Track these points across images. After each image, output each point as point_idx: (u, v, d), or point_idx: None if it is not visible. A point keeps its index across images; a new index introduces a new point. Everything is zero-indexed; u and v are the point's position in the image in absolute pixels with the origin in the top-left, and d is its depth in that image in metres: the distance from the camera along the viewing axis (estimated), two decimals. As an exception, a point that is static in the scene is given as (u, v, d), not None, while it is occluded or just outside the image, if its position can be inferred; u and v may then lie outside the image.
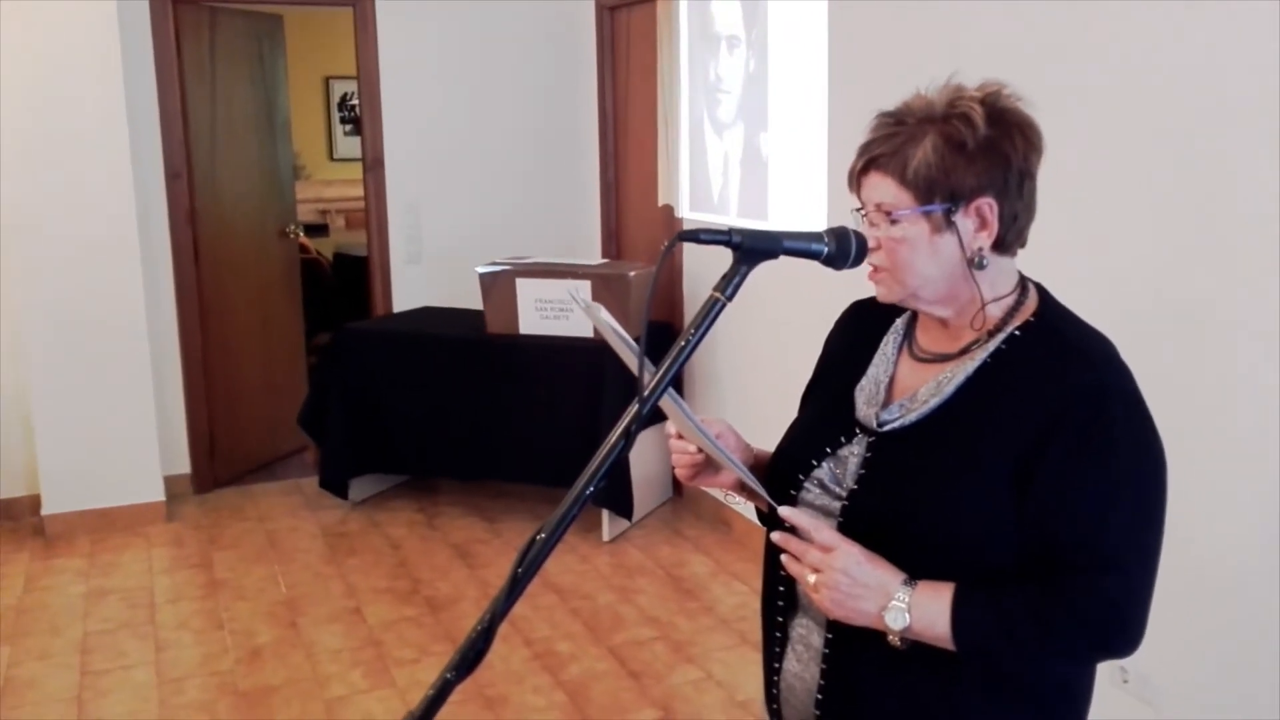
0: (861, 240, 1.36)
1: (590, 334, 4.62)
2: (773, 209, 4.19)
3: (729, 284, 1.30)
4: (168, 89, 5.08)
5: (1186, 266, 2.58)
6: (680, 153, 4.90)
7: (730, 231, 1.29)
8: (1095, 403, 1.31)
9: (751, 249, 1.30)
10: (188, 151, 5.18)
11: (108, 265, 4.82)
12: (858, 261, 1.36)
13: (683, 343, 1.30)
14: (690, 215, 4.88)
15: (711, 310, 1.30)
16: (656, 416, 1.42)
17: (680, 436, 1.53)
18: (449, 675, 1.23)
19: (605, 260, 5.43)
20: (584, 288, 4.57)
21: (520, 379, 4.74)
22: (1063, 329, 1.41)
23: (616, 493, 4.57)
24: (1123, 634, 1.32)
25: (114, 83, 4.74)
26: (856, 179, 1.42)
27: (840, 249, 1.34)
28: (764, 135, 4.24)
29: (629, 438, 1.27)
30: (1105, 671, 2.63)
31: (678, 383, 5.29)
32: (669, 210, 5.05)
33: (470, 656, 1.24)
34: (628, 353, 1.36)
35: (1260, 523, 2.45)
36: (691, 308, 5.18)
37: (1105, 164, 2.77)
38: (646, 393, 1.28)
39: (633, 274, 4.66)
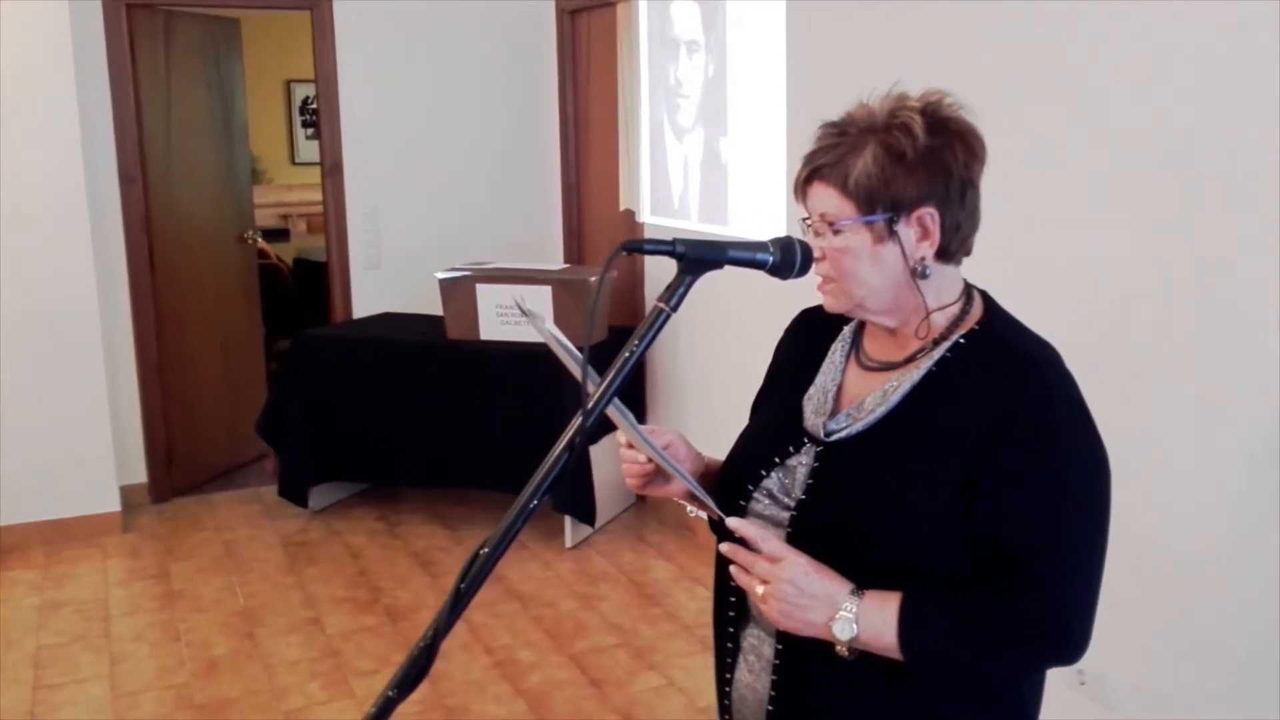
0: (807, 250, 1.36)
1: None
2: (732, 214, 4.20)
3: (673, 294, 1.30)
4: (121, 93, 5.02)
5: (1156, 265, 2.60)
6: (641, 157, 4.89)
7: (674, 242, 1.29)
8: (1039, 410, 1.31)
9: (696, 259, 1.30)
10: (142, 156, 5.11)
11: (60, 272, 4.75)
12: (803, 271, 1.36)
13: (627, 353, 1.30)
14: (651, 220, 4.88)
15: (656, 320, 1.30)
16: (610, 425, 1.42)
17: (631, 445, 1.52)
18: (391, 693, 1.22)
19: (567, 265, 5.41)
20: (543, 293, 4.55)
21: (481, 385, 4.71)
22: (1007, 336, 1.41)
23: (579, 499, 4.56)
24: (1069, 641, 1.32)
25: (65, 87, 4.67)
26: (801, 189, 1.42)
27: (785, 259, 1.34)
28: (724, 140, 4.25)
29: (573, 450, 1.26)
30: (1062, 674, 2.65)
31: (639, 393, 5.23)
32: (630, 215, 5.05)
33: (413, 674, 1.23)
34: (572, 363, 1.35)
35: (1216, 521, 2.47)
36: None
37: (1066, 165, 2.79)
38: (590, 404, 1.27)
39: (594, 279, 4.64)
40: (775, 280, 1.37)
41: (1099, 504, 1.34)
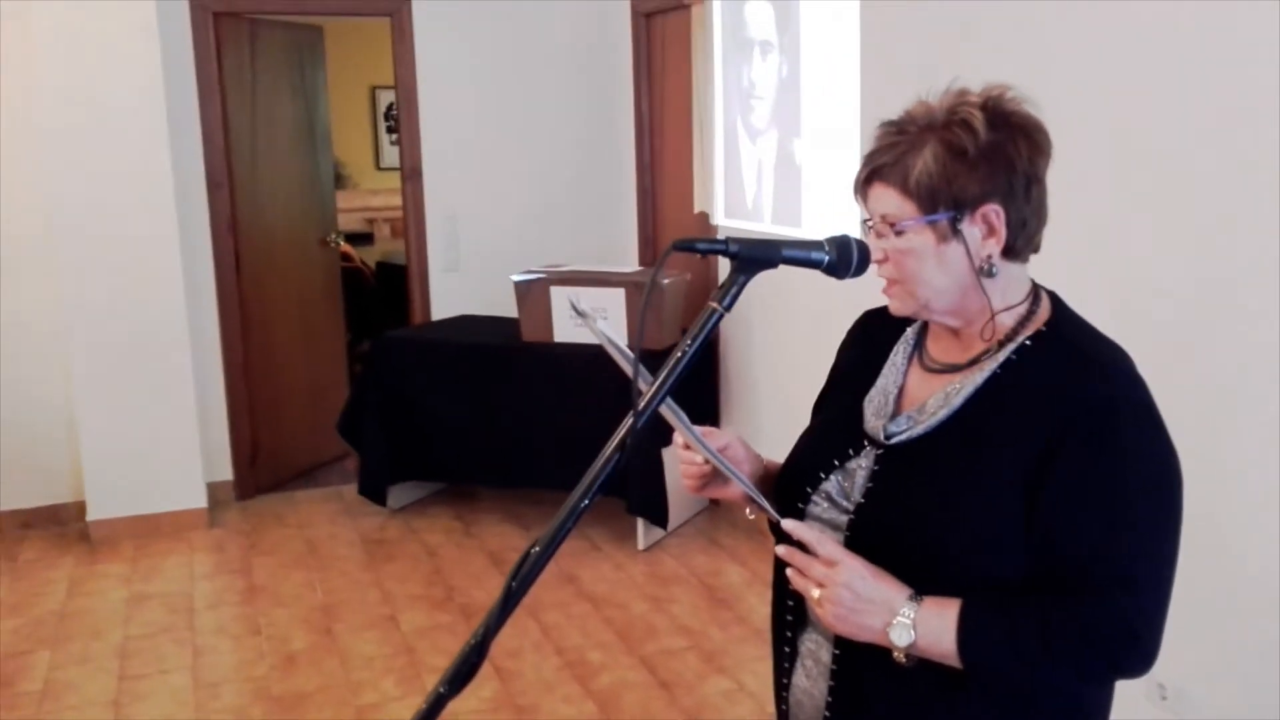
0: (863, 248, 1.34)
1: (624, 341, 4.61)
2: (806, 216, 4.16)
3: (726, 293, 1.29)
4: (209, 100, 5.15)
5: (1219, 268, 2.51)
6: (715, 159, 4.87)
7: (727, 240, 1.28)
8: (1106, 415, 1.27)
9: (749, 258, 1.29)
10: (229, 162, 5.25)
11: (151, 274, 4.90)
12: (860, 271, 1.34)
13: (679, 353, 1.29)
14: (725, 222, 4.86)
15: (709, 320, 1.29)
16: (668, 427, 1.41)
17: (688, 447, 1.51)
18: (442, 689, 1.23)
19: (641, 268, 5.42)
20: (616, 295, 4.56)
21: (555, 386, 4.74)
22: (1075, 338, 1.37)
23: (652, 501, 4.56)
24: (1135, 653, 1.28)
25: (155, 95, 4.81)
26: (861, 190, 1.39)
27: (842, 258, 1.32)
28: (797, 141, 4.21)
29: (624, 449, 1.25)
30: (1140, 686, 2.57)
31: (712, 393, 5.21)
32: (704, 217, 5.03)
33: (464, 671, 1.23)
34: (625, 363, 1.35)
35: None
36: (728, 318, 5.14)
37: (1149, 161, 2.71)
38: (642, 404, 1.26)
39: (668, 282, 4.64)
40: (849, 279, 1.35)
41: (1168, 511, 1.29)
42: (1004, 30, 3.13)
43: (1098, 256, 2.80)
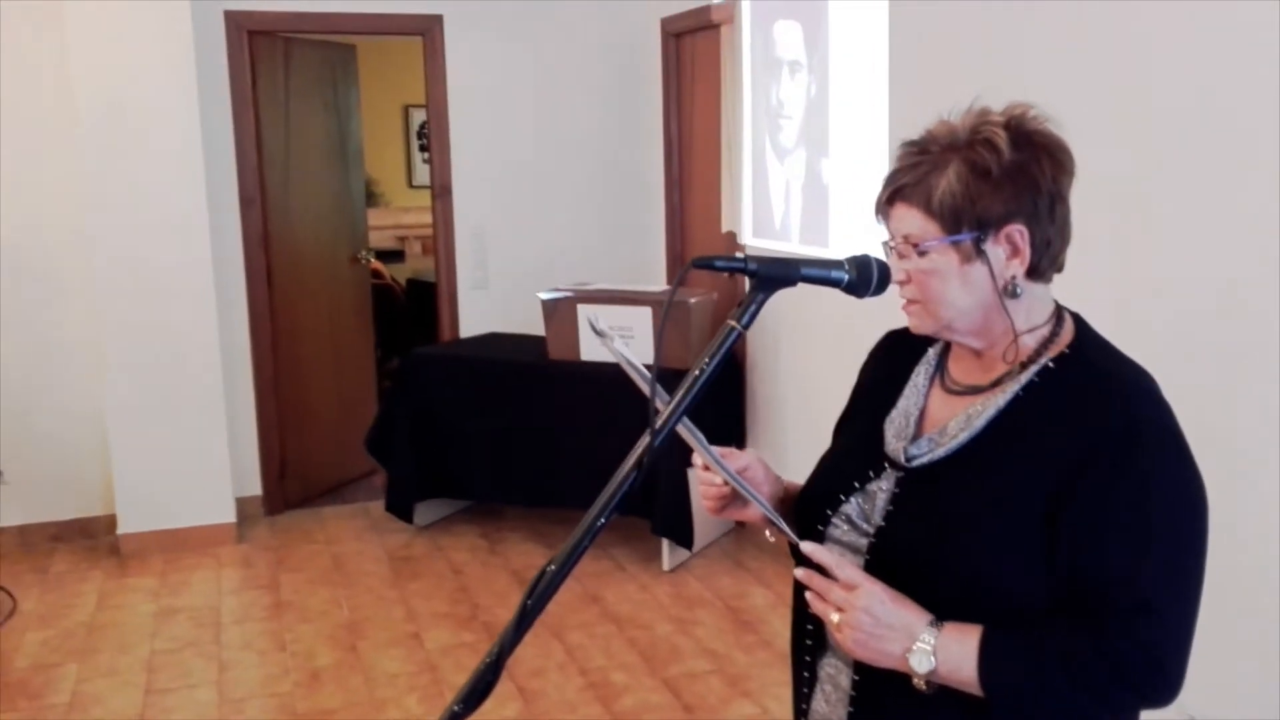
0: (883, 268, 1.32)
1: (650, 361, 4.60)
2: (833, 236, 4.14)
3: (745, 311, 1.28)
4: (242, 117, 5.21)
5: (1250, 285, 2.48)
6: (743, 179, 4.87)
7: (746, 259, 1.27)
8: (1129, 439, 1.25)
9: (768, 276, 1.28)
10: (261, 178, 5.30)
11: (182, 289, 4.94)
12: (880, 290, 1.33)
13: (696, 372, 1.28)
14: (753, 242, 4.85)
15: (727, 339, 1.28)
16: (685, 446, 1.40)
17: (708, 468, 1.50)
18: (456, 708, 1.22)
19: (668, 287, 5.41)
20: (643, 314, 4.56)
21: (581, 405, 4.74)
22: (1098, 361, 1.35)
23: (677, 522, 4.54)
24: (1159, 681, 1.25)
25: (190, 112, 4.87)
26: (883, 210, 1.38)
27: (861, 277, 1.31)
28: (825, 161, 4.20)
29: (640, 469, 1.24)
30: (1169, 716, 2.52)
31: (739, 412, 5.18)
32: (732, 237, 5.03)
33: (479, 689, 1.22)
34: (643, 382, 1.34)
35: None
36: (755, 337, 5.14)
37: (1182, 168, 2.68)
38: (659, 423, 1.25)
39: (694, 301, 4.64)
40: (877, 298, 1.34)
41: (1192, 538, 1.27)
42: (1034, 50, 3.11)
43: (1115, 265, 2.77)
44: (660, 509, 4.50)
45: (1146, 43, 2.75)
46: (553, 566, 1.25)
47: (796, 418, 4.71)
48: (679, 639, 4.05)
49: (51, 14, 4.74)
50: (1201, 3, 2.57)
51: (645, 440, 1.24)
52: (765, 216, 4.74)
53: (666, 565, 4.67)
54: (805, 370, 4.57)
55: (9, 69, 4.81)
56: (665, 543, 4.65)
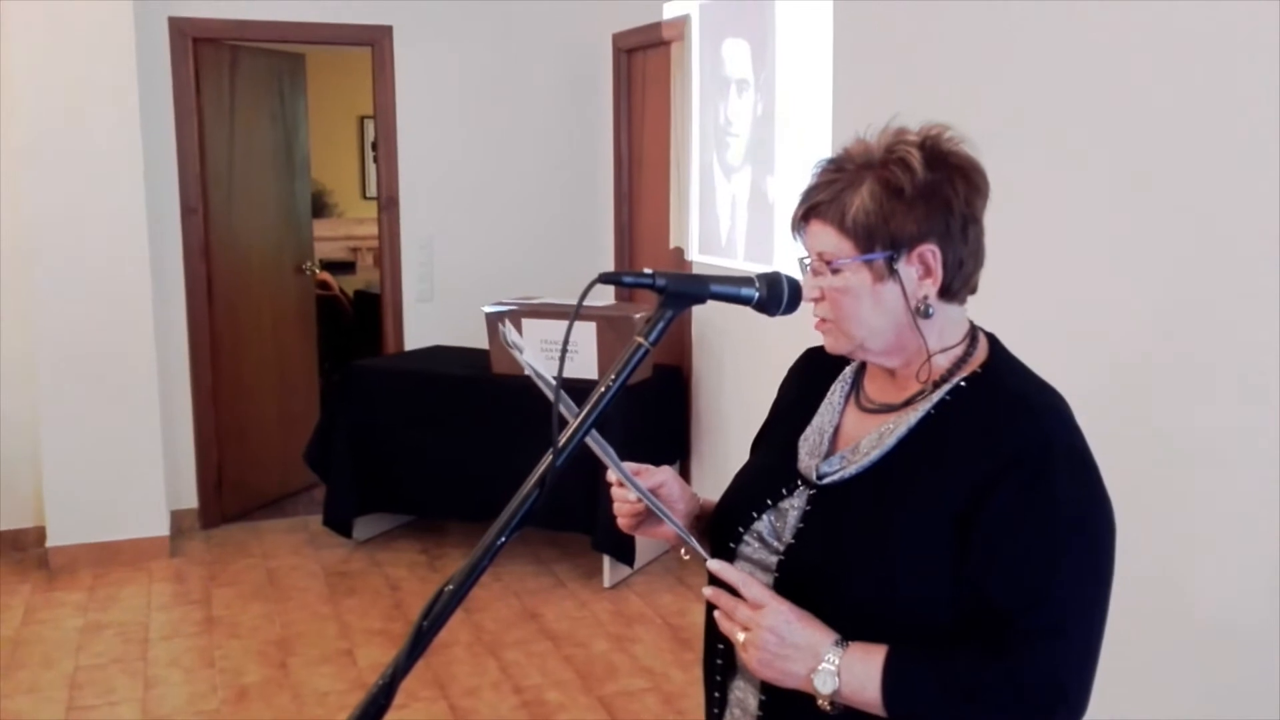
0: (794, 286, 1.32)
1: (594, 376, 4.58)
2: (778, 253, 4.15)
3: (652, 329, 1.26)
4: (186, 125, 5.13)
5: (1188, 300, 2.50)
6: (691, 195, 4.87)
7: (654, 275, 1.26)
8: (1035, 459, 1.25)
9: (676, 293, 1.27)
10: (204, 187, 5.22)
11: (119, 298, 4.85)
12: (791, 308, 1.32)
13: (603, 388, 1.26)
14: (699, 258, 4.85)
15: (633, 355, 1.26)
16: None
17: (622, 484, 1.48)
18: (348, 732, 1.18)
19: (615, 302, 5.39)
20: (588, 329, 4.54)
21: (524, 420, 4.67)
22: (1009, 382, 1.35)
23: (618, 538, 4.50)
24: (1062, 704, 1.24)
25: (131, 119, 4.78)
26: (799, 227, 1.37)
27: (772, 295, 1.30)
28: (770, 178, 4.21)
29: (543, 487, 1.22)
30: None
31: (683, 427, 5.15)
32: (680, 253, 5.02)
33: (371, 713, 1.20)
34: (553, 395, 1.32)
35: (1262, 577, 2.34)
36: (700, 352, 5.13)
37: (1134, 174, 2.70)
38: (562, 440, 1.23)
39: (638, 316, 4.61)
40: (780, 316, 1.33)
41: (1099, 559, 1.26)
42: (979, 70, 3.13)
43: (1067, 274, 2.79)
44: (602, 525, 4.46)
45: (1080, 63, 2.78)
46: (450, 586, 1.22)
47: (739, 432, 4.70)
48: (616, 656, 4.01)
49: (-12, 15, 4.65)
50: (1139, 12, 2.60)
51: (548, 458, 1.21)
52: (712, 232, 4.74)
53: (607, 582, 4.63)
54: (748, 384, 4.57)
55: (-57, 70, 4.72)
56: (607, 559, 4.61)
